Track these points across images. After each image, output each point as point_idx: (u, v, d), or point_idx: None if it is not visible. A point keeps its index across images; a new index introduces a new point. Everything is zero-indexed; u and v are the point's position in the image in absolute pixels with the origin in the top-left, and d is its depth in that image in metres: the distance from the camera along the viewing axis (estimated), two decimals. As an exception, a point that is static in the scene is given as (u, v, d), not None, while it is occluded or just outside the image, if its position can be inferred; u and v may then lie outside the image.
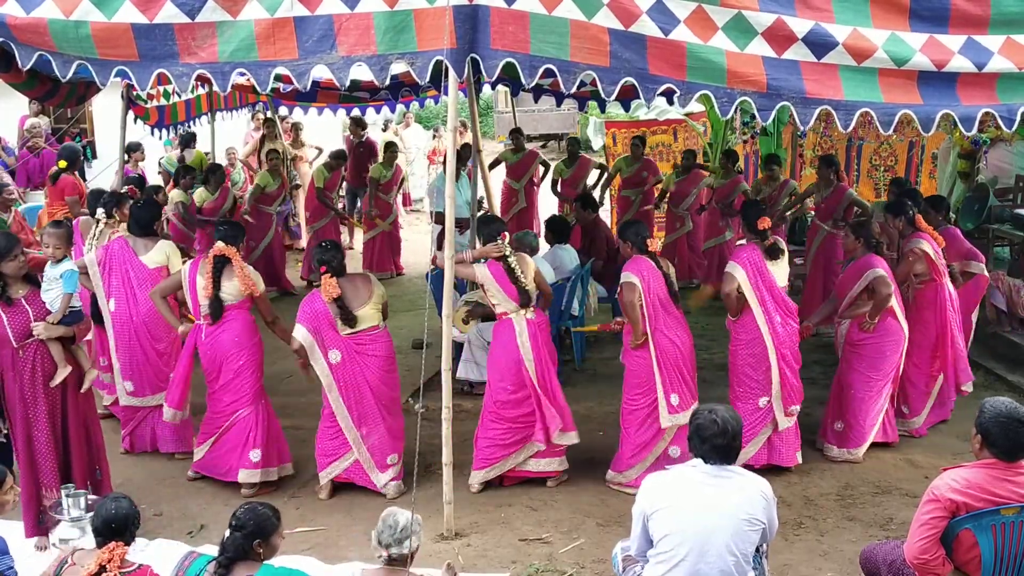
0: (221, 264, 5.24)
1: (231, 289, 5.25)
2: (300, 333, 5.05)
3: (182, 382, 5.38)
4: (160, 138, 10.43)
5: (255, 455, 5.30)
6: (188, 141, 11.69)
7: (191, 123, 10.30)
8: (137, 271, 5.75)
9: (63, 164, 8.87)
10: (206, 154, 11.69)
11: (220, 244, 5.28)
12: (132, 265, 5.76)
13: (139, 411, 5.88)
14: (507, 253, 5.19)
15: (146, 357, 5.77)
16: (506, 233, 5.28)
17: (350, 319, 5.03)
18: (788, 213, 9.09)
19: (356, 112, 10.94)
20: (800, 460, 5.52)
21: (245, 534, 3.17)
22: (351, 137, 12.46)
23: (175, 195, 9.20)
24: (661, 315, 5.16)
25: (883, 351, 5.63)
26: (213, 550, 3.76)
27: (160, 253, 5.80)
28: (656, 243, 5.43)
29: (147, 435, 5.93)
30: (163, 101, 9.34)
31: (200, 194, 9.33)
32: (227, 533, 3.19)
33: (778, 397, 5.30)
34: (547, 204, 11.36)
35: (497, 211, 8.98)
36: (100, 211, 6.28)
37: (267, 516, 3.25)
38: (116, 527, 3.15)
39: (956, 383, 6.11)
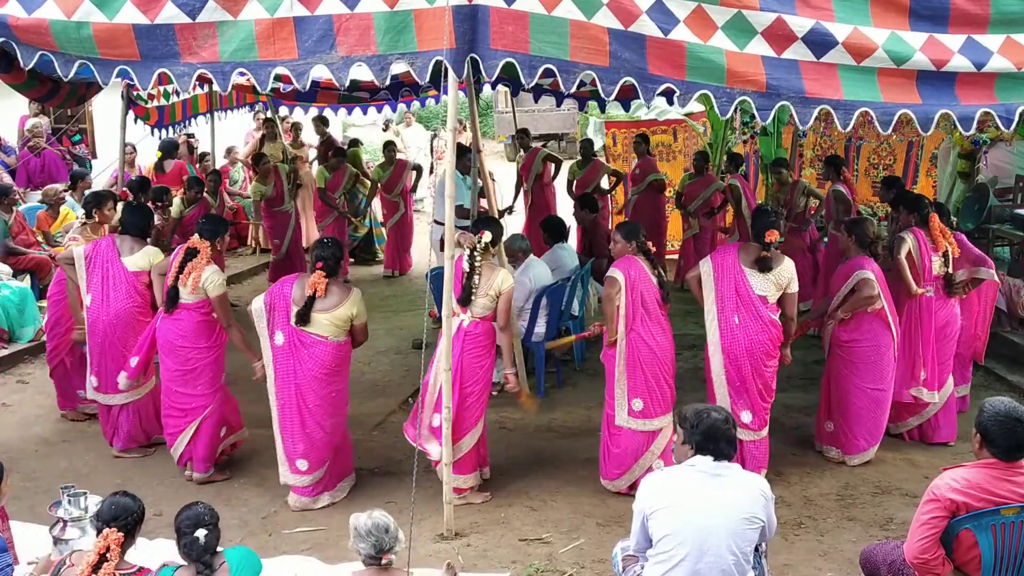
0: (189, 257, 5.30)
1: (185, 289, 5.30)
2: (256, 303, 5.07)
3: (142, 358, 5.51)
4: (160, 138, 10.42)
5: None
6: (354, 142, 11.88)
7: (188, 123, 10.29)
8: (116, 271, 5.76)
9: (160, 154, 9.10)
10: (201, 155, 11.71)
11: (195, 238, 5.37)
12: (112, 264, 5.77)
13: (111, 409, 5.87)
14: (476, 253, 5.01)
15: (111, 357, 5.76)
16: (487, 232, 5.09)
17: (304, 318, 4.93)
18: (808, 217, 9.05)
19: (314, 111, 11.02)
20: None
21: (215, 525, 3.22)
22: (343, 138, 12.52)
23: (174, 208, 8.83)
24: (641, 317, 5.09)
25: (868, 355, 5.56)
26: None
27: (143, 257, 5.80)
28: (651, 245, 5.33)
29: (133, 430, 5.92)
30: (163, 101, 9.33)
31: (177, 206, 8.94)
32: (199, 533, 3.15)
33: (726, 405, 5.04)
34: (565, 204, 11.08)
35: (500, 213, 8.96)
36: (80, 211, 6.31)
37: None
38: (114, 512, 3.18)
39: (907, 385, 5.93)
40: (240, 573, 3.17)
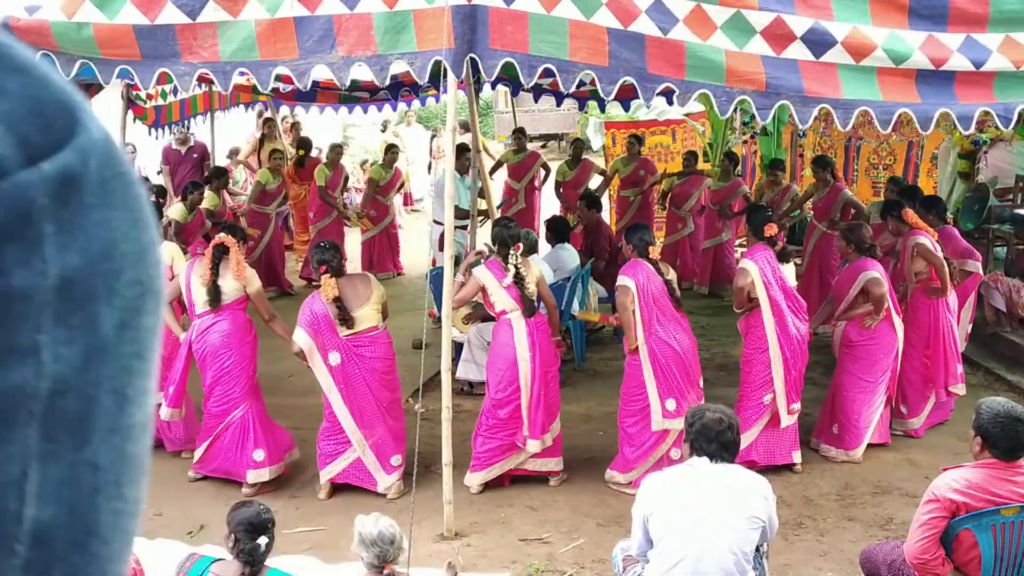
0: (220, 253, 5.21)
1: (226, 287, 5.24)
2: (300, 337, 5.01)
3: (178, 380, 5.36)
4: (157, 138, 10.41)
5: (259, 455, 5.30)
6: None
7: (186, 122, 10.30)
8: None
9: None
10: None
11: (222, 235, 5.30)
12: None
13: None
14: (516, 262, 5.15)
15: None
16: (520, 244, 5.23)
17: (347, 320, 4.99)
18: (787, 219, 9.06)
19: (315, 110, 11.08)
20: (797, 460, 5.52)
21: (272, 530, 3.23)
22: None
23: (173, 211, 8.48)
24: (657, 318, 5.12)
25: (875, 354, 5.63)
26: (214, 550, 3.77)
27: (164, 254, 5.74)
28: (656, 250, 5.39)
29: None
30: (161, 101, 9.32)
31: (179, 211, 8.55)
32: (261, 540, 3.15)
33: (781, 394, 5.30)
34: (549, 207, 11.26)
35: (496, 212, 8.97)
36: None
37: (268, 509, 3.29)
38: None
39: (945, 384, 6.08)
40: None
